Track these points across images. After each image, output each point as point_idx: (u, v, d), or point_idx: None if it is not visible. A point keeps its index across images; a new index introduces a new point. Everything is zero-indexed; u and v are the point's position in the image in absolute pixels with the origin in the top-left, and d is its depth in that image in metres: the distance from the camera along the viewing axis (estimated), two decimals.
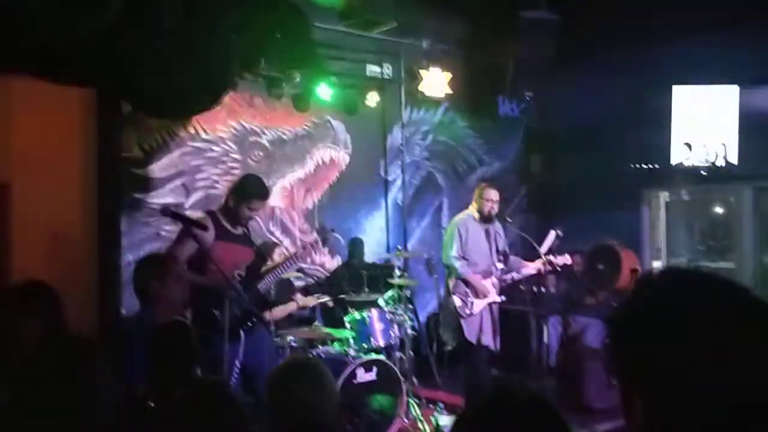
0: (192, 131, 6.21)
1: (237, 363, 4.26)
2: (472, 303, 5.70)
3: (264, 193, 4.70)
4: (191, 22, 4.24)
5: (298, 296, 5.96)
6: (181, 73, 4.47)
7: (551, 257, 5.93)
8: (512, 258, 6.07)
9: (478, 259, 5.80)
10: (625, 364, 1.09)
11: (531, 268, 6.00)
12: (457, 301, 5.71)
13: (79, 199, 5.49)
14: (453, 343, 6.02)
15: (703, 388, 1.00)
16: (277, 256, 5.56)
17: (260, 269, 4.65)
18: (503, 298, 5.91)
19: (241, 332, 4.30)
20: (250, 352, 4.37)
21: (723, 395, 0.99)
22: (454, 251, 5.74)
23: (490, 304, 5.76)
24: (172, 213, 4.21)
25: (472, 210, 5.87)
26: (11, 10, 3.40)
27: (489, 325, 5.75)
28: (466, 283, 5.72)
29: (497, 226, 5.95)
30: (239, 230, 4.58)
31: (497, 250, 5.88)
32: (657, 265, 8.14)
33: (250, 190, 4.55)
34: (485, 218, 5.81)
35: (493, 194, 5.83)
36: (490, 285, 5.78)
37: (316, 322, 6.03)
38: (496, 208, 5.83)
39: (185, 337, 2.88)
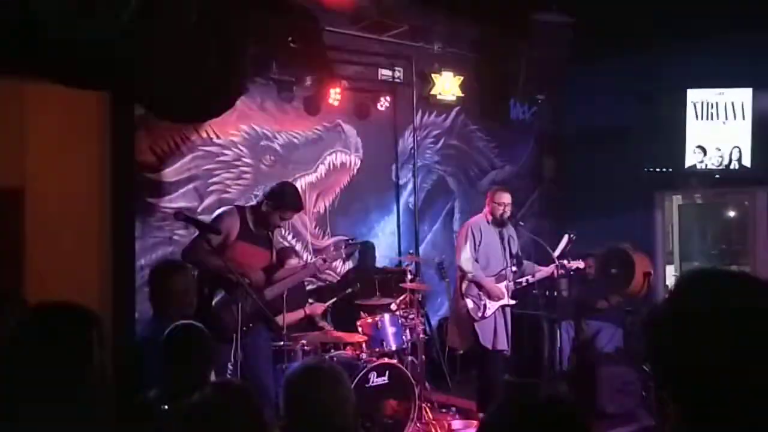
0: (204, 135, 6.21)
1: (229, 366, 4.24)
2: (484, 306, 5.69)
3: (299, 206, 4.75)
4: (204, 25, 4.25)
5: (308, 305, 5.97)
6: (194, 76, 4.48)
7: (564, 261, 5.92)
8: (525, 262, 6.07)
9: (491, 262, 5.79)
10: (659, 366, 1.07)
11: (544, 271, 5.98)
12: (469, 303, 5.71)
13: (92, 203, 5.50)
14: (464, 348, 6.00)
15: (736, 390, 0.98)
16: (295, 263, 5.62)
17: (274, 275, 4.66)
18: (515, 301, 5.90)
19: (234, 335, 4.24)
20: (248, 356, 4.33)
21: (757, 396, 0.97)
22: (467, 254, 5.74)
23: (503, 308, 5.75)
24: (185, 217, 4.25)
25: (486, 213, 5.89)
26: (24, 13, 3.42)
27: (503, 329, 5.75)
28: (479, 285, 5.71)
29: (511, 229, 5.95)
30: (262, 232, 4.59)
31: (511, 254, 5.87)
32: (670, 269, 8.09)
33: (287, 200, 4.58)
34: (498, 222, 5.83)
35: (506, 197, 5.84)
36: (503, 288, 5.76)
37: (329, 326, 6.03)
38: (508, 211, 5.84)
39: (201, 341, 2.88)
